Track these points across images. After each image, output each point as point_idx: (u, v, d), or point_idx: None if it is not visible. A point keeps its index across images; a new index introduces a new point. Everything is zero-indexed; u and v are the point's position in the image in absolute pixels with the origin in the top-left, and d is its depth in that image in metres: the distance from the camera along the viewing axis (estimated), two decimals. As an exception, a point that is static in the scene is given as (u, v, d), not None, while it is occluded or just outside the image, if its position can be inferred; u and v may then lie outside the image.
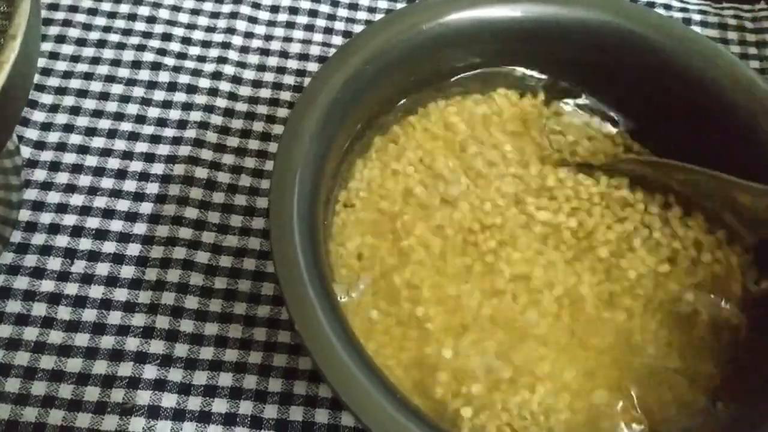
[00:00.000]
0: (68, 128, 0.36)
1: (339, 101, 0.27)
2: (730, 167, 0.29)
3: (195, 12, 0.41)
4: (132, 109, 0.37)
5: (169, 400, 0.30)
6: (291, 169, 0.24)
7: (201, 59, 0.39)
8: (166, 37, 0.40)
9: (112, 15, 0.40)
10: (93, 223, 0.34)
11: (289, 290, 0.23)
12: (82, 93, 0.37)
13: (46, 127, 0.36)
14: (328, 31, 0.41)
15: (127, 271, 0.33)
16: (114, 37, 0.39)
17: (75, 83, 0.37)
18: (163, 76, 0.38)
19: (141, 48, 0.39)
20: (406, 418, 0.22)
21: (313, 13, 0.42)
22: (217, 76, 0.39)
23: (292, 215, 0.24)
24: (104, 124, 0.36)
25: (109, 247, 0.33)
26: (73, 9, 0.40)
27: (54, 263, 0.32)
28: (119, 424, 0.29)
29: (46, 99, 0.37)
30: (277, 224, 0.24)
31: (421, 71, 0.32)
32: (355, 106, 0.29)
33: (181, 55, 0.39)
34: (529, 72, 0.34)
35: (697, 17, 0.43)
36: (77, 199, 0.34)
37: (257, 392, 0.30)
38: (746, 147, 0.30)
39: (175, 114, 0.37)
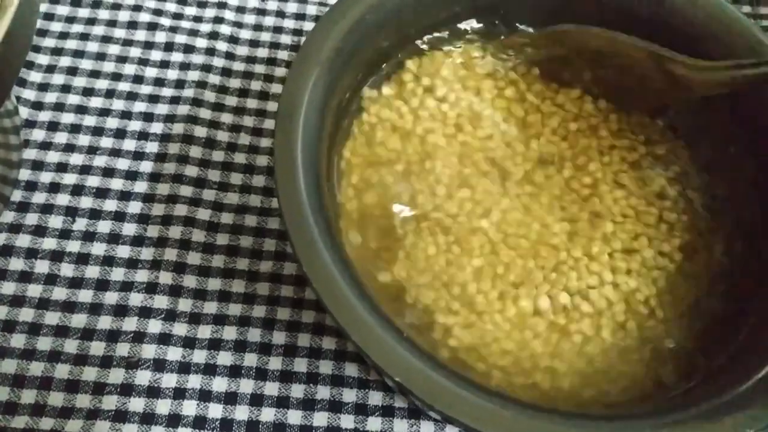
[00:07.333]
0: (66, 89, 0.36)
1: (341, 50, 0.27)
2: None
3: (190, -27, 0.40)
4: (129, 69, 0.37)
5: (174, 354, 0.30)
6: (296, 110, 0.25)
7: (197, 19, 0.39)
8: (162, -3, 0.39)
9: (106, -24, 0.39)
10: (93, 181, 0.34)
11: (294, 231, 0.23)
12: (78, 54, 0.37)
13: (43, 87, 0.36)
14: (324, -9, 0.41)
15: (129, 229, 0.33)
16: (109, -2, 0.39)
17: (71, 44, 0.37)
18: (160, 37, 0.38)
19: (137, 9, 0.39)
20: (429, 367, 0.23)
21: (308, -26, 0.42)
22: (213, 36, 0.39)
23: (296, 151, 0.24)
24: (102, 84, 0.36)
25: (110, 205, 0.33)
26: (67, -30, 0.39)
27: (55, 221, 0.32)
28: (125, 377, 0.29)
29: (43, 60, 0.36)
30: (282, 159, 0.24)
31: (420, 23, 0.32)
32: (356, 55, 0.29)
33: (177, 16, 0.39)
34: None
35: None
36: (77, 159, 0.34)
37: (261, 345, 0.31)
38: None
39: (172, 74, 0.37)
